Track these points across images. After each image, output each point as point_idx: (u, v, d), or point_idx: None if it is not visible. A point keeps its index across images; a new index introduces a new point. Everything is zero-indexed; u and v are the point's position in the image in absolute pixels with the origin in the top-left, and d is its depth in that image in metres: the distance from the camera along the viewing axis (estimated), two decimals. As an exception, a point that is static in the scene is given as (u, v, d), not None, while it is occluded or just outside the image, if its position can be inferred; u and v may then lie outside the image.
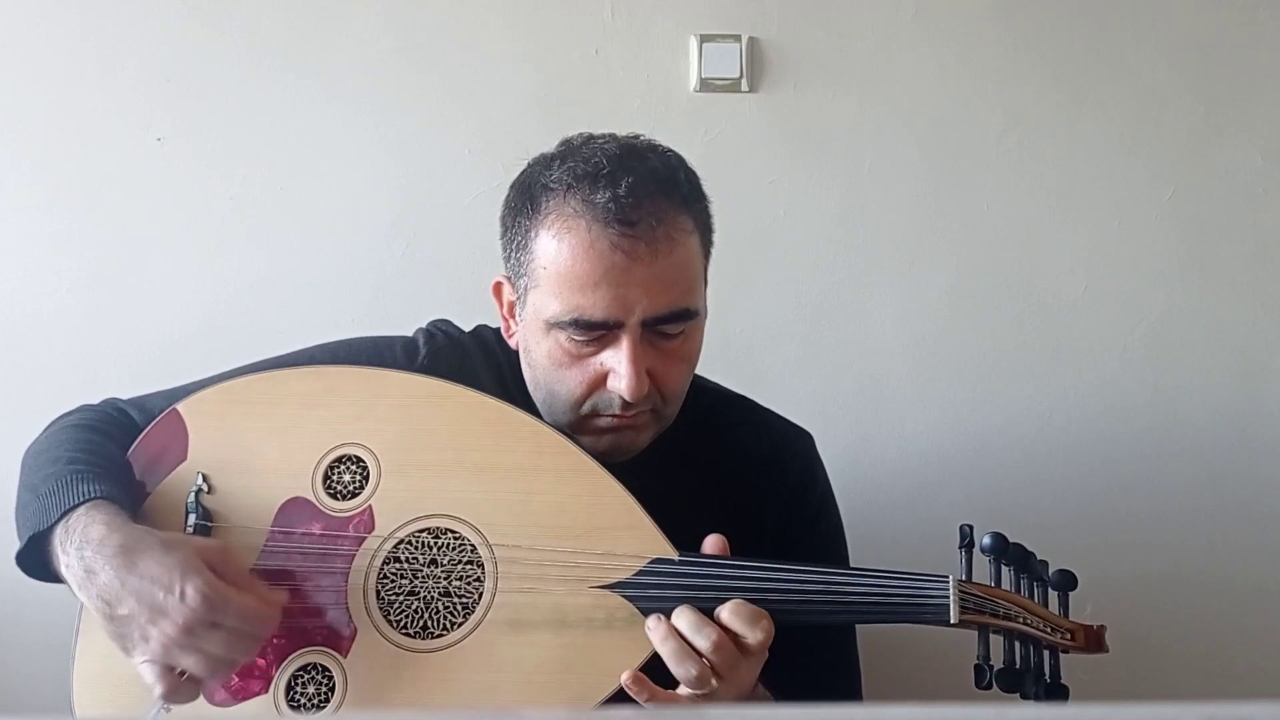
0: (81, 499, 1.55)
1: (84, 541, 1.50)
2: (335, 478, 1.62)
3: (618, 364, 1.64)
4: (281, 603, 1.54)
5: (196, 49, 2.31)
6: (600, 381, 1.67)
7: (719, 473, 1.83)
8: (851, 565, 1.87)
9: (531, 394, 1.76)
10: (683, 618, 1.51)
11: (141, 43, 2.30)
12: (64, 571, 1.52)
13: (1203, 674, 2.38)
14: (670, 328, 1.67)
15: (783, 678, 1.64)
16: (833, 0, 2.40)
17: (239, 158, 2.32)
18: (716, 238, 1.77)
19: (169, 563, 1.47)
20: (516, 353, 1.82)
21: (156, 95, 2.31)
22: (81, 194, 2.29)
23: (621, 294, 1.62)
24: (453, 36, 2.35)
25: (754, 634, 1.50)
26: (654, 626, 1.52)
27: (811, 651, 1.73)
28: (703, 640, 1.49)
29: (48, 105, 2.29)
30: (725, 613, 1.51)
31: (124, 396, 1.81)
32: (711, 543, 1.58)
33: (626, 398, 1.64)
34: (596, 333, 1.64)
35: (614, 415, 1.68)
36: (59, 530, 1.54)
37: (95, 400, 1.81)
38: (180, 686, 1.49)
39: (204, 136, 2.32)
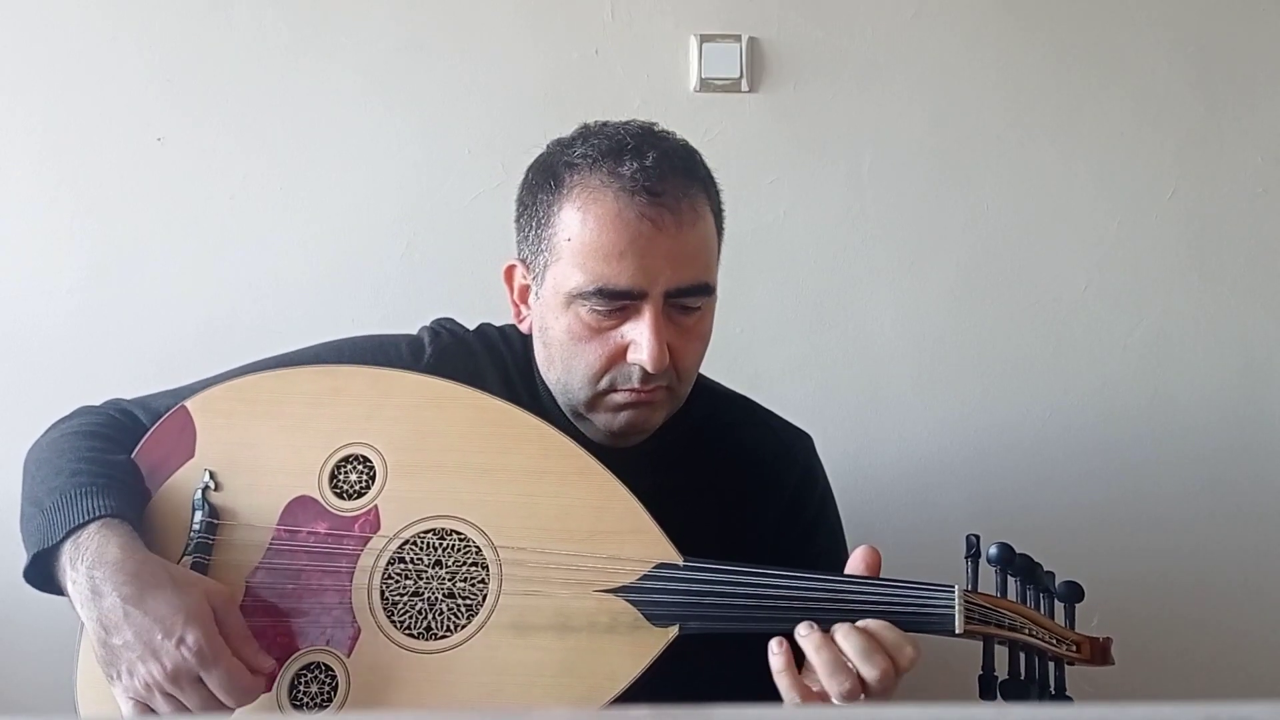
0: (89, 516, 1.54)
1: (96, 561, 1.50)
2: (342, 477, 1.63)
3: (639, 335, 1.65)
4: (270, 668, 1.54)
5: (196, 49, 2.31)
6: (620, 355, 1.67)
7: (717, 473, 1.84)
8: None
9: (545, 375, 1.77)
10: (849, 641, 1.48)
11: (141, 43, 2.30)
12: (69, 587, 1.52)
13: (1202, 673, 2.38)
14: (690, 301, 1.68)
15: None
16: (833, 0, 2.40)
17: (239, 158, 2.32)
18: (718, 236, 1.77)
19: (176, 604, 1.48)
20: (521, 351, 1.83)
21: (156, 95, 2.31)
22: (81, 194, 2.29)
23: (646, 264, 1.63)
24: (453, 37, 2.35)
25: (903, 657, 1.48)
26: (805, 634, 1.49)
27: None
28: (871, 669, 1.46)
29: (48, 105, 2.29)
30: (876, 630, 1.49)
31: (124, 396, 1.81)
32: (861, 557, 1.57)
33: (649, 368, 1.65)
34: (619, 303, 1.65)
35: (631, 389, 1.69)
36: (68, 546, 1.53)
37: (97, 401, 1.80)
38: None
39: (204, 136, 2.31)
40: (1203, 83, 2.44)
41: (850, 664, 1.47)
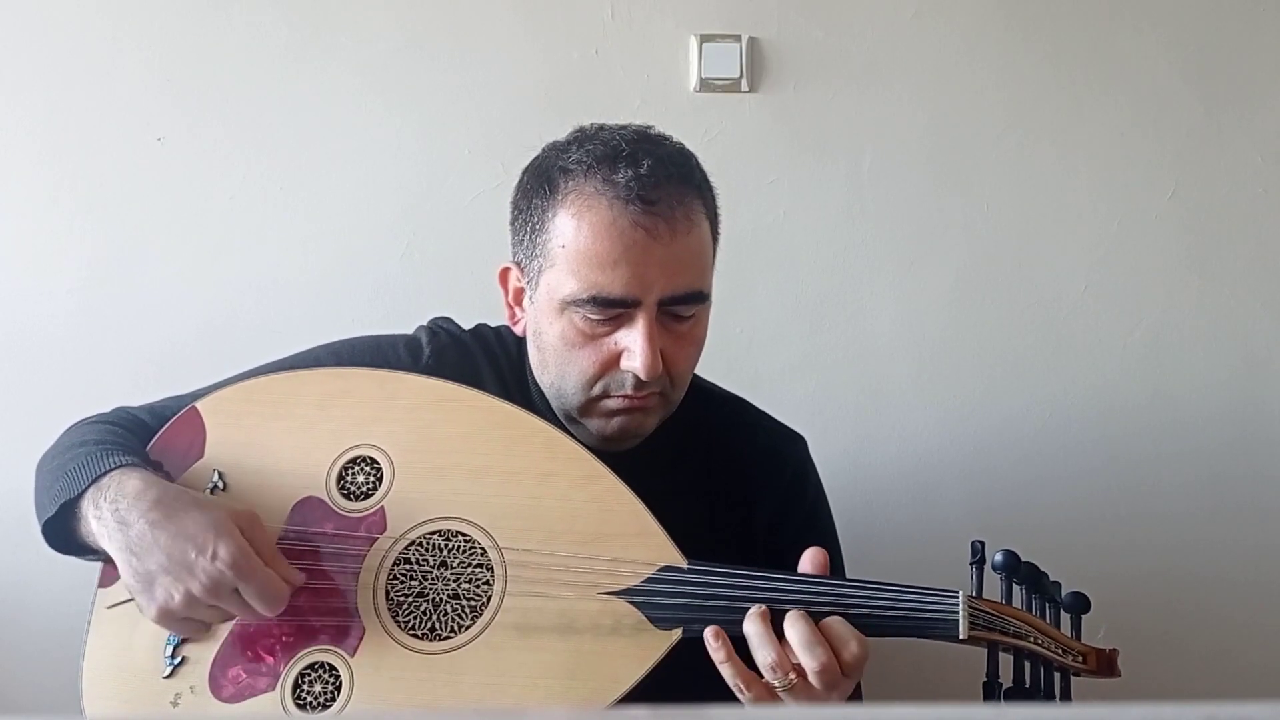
0: (112, 466, 1.58)
1: (119, 495, 1.54)
2: (349, 478, 1.63)
3: (633, 343, 1.65)
4: (300, 581, 1.57)
5: (196, 49, 2.31)
6: (614, 361, 1.68)
7: (712, 474, 1.84)
8: (848, 566, 1.88)
9: (538, 379, 1.78)
10: (795, 629, 1.49)
11: (141, 43, 2.30)
12: (94, 525, 1.55)
13: (1203, 673, 2.38)
14: (684, 309, 1.68)
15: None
16: (833, 0, 2.40)
17: (239, 158, 2.32)
18: (716, 237, 1.77)
19: (204, 521, 1.51)
20: (516, 351, 1.83)
21: (156, 95, 2.30)
22: (81, 194, 2.29)
23: (640, 272, 1.63)
24: (453, 37, 2.35)
25: (846, 651, 1.48)
26: (752, 629, 1.51)
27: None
28: (812, 660, 1.47)
29: (48, 105, 2.28)
30: (827, 625, 1.50)
31: (124, 398, 1.83)
32: (811, 558, 1.57)
33: (642, 376, 1.65)
34: (614, 311, 1.65)
35: (625, 396, 1.69)
36: (90, 493, 1.57)
37: (97, 401, 1.81)
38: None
39: (204, 136, 2.31)
40: (1203, 83, 2.44)
41: (793, 657, 1.48)
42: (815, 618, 1.52)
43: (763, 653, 1.49)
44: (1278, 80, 2.45)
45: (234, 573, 1.50)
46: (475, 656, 1.55)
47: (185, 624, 1.55)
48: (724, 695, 1.52)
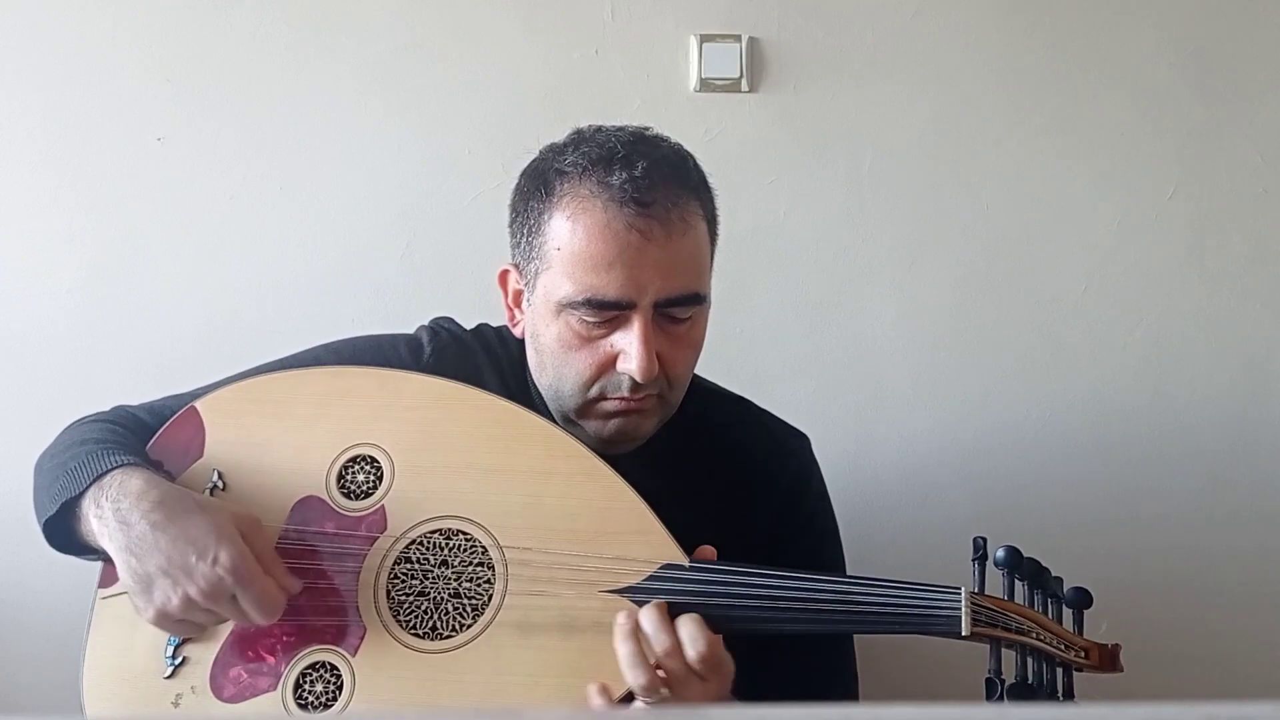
0: (114, 465, 1.58)
1: (121, 494, 1.54)
2: (349, 477, 1.63)
3: (628, 345, 1.65)
4: (297, 589, 1.57)
5: (196, 49, 2.31)
6: (610, 364, 1.67)
7: (713, 473, 1.83)
8: (849, 567, 1.88)
9: (536, 380, 1.78)
10: (649, 615, 1.51)
11: (141, 43, 2.30)
12: (94, 524, 1.55)
13: (1203, 674, 2.38)
14: (680, 311, 1.68)
15: (780, 682, 1.63)
16: (833, 0, 2.40)
17: (239, 158, 2.31)
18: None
19: (206, 525, 1.52)
20: (517, 351, 1.83)
21: (156, 95, 2.30)
22: (81, 194, 2.28)
23: (635, 274, 1.63)
24: (452, 37, 2.35)
25: (692, 649, 1.49)
26: (621, 622, 1.52)
27: (808, 656, 1.73)
28: (657, 644, 1.49)
29: (48, 105, 2.28)
30: (679, 620, 1.51)
31: (124, 398, 1.82)
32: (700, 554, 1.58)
33: (637, 378, 1.65)
34: (609, 313, 1.65)
35: (621, 398, 1.69)
36: (91, 491, 1.57)
37: (97, 401, 1.81)
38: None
39: (204, 136, 2.31)
40: (1203, 83, 2.43)
41: (651, 653, 1.50)
42: (815, 617, 1.52)
43: (626, 646, 1.51)
44: (1278, 80, 2.45)
45: (233, 578, 1.50)
46: (476, 655, 1.55)
47: (181, 626, 1.55)
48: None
